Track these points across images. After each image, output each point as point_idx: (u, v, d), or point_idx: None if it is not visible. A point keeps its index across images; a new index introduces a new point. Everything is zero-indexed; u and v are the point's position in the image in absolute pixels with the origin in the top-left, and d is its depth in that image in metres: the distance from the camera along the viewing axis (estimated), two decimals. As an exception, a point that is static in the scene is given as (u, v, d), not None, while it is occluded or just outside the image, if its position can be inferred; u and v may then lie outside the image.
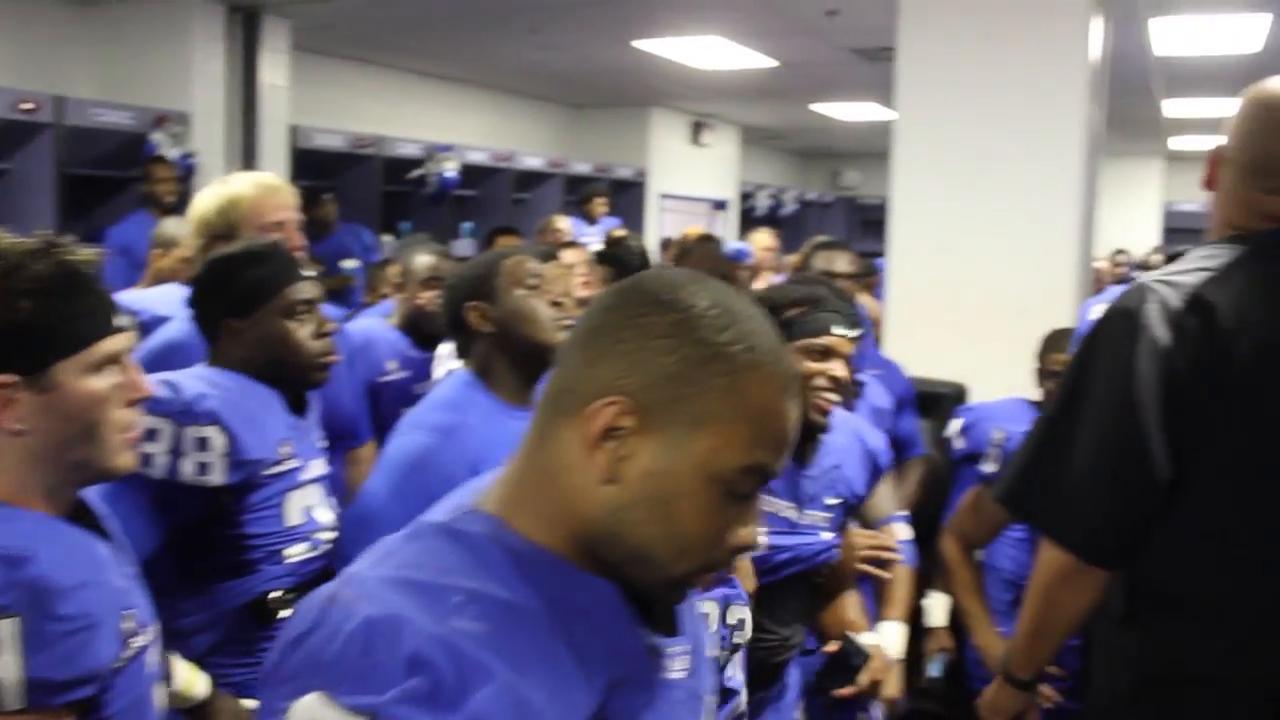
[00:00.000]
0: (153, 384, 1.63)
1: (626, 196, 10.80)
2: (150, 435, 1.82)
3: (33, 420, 1.37)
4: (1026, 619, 1.83)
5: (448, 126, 9.24)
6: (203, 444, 1.88)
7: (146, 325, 2.51)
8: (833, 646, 2.25)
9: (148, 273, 4.08)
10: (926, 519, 2.76)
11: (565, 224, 6.57)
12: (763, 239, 6.95)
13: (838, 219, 15.63)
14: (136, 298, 2.83)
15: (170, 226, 4.07)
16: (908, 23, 4.38)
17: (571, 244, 4.65)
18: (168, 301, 2.58)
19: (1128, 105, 9.59)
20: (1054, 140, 4.17)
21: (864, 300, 3.53)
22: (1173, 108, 10.29)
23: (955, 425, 2.94)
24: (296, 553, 2.02)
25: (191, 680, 1.85)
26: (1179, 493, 1.67)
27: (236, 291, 2.04)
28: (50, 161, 5.87)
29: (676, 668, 1.05)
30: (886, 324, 4.25)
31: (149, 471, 1.84)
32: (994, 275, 4.18)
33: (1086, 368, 1.72)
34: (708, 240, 5.71)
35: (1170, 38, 7.12)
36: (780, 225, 12.21)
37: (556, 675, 0.92)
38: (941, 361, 3.59)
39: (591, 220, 8.30)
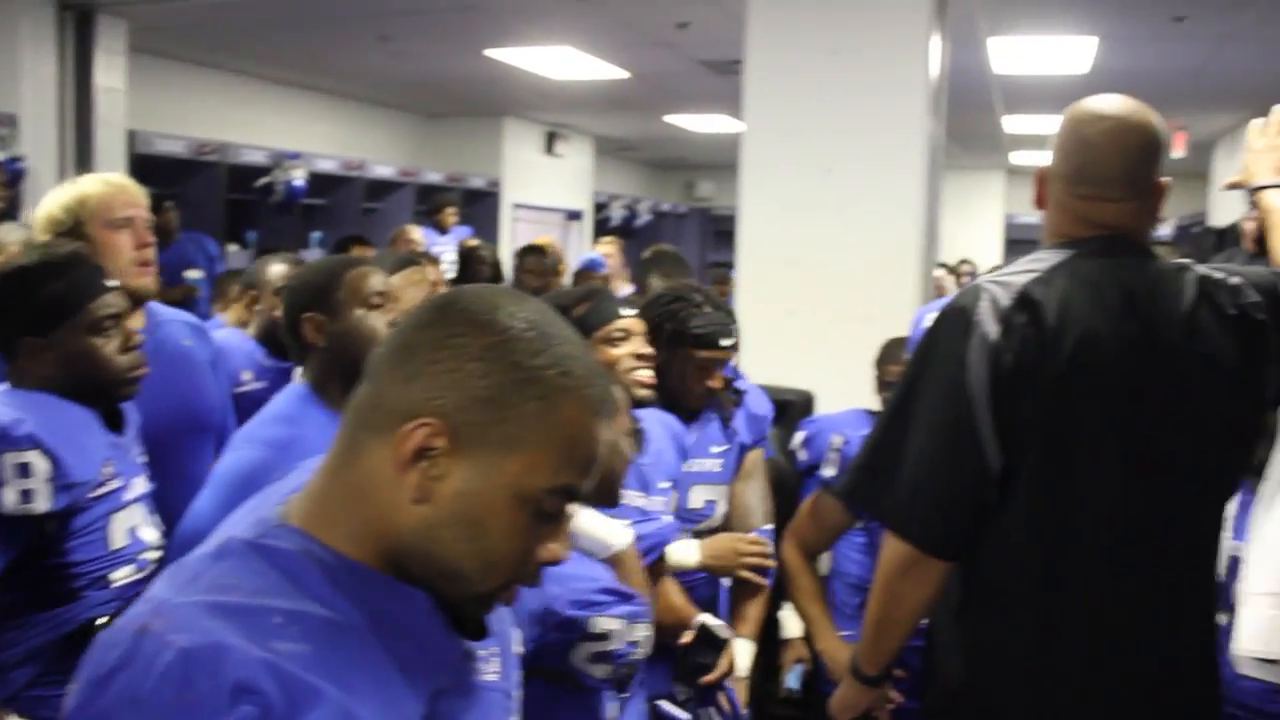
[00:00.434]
0: None
1: (480, 206, 10.73)
2: None
3: None
4: (871, 613, 1.87)
5: (296, 134, 9.04)
6: (24, 470, 1.79)
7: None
8: (688, 636, 2.25)
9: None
10: (775, 528, 2.78)
11: (418, 234, 6.51)
12: (607, 248, 7.02)
13: (692, 230, 15.78)
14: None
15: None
16: (754, 36, 4.44)
17: (425, 256, 4.59)
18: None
19: (970, 121, 9.91)
20: (896, 153, 4.27)
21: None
22: (1012, 124, 10.66)
23: (798, 437, 2.98)
24: (122, 576, 1.93)
25: None
26: (1008, 484, 1.73)
27: (35, 307, 1.93)
28: None
29: (489, 670, 1.07)
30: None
31: None
32: (839, 285, 4.26)
33: (923, 364, 1.79)
34: (534, 251, 5.78)
35: (1008, 57, 7.37)
36: (635, 236, 12.28)
37: (384, 689, 0.92)
38: (789, 370, 3.63)
39: (443, 230, 8.23)
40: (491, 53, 7.76)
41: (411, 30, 7.16)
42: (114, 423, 2.02)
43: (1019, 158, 13.47)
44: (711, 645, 2.24)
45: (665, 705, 2.23)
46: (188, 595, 0.90)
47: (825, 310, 4.25)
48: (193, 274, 6.41)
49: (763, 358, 3.53)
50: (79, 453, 1.87)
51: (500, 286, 1.11)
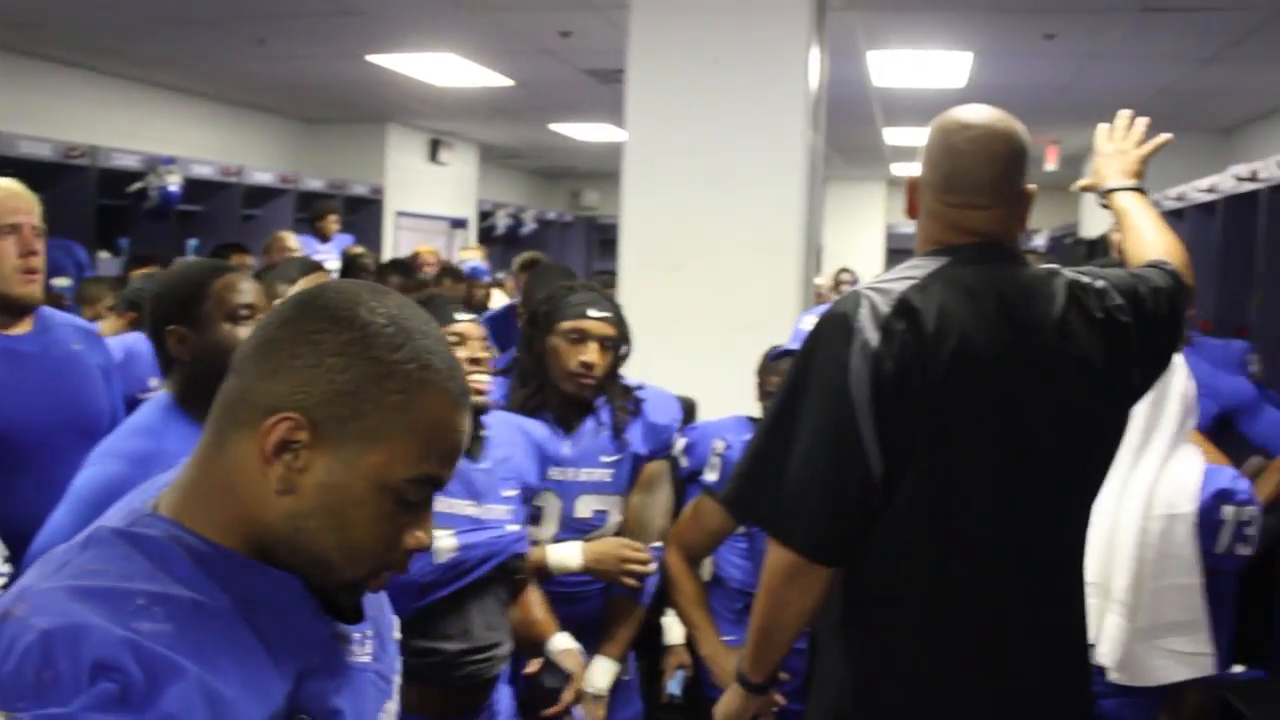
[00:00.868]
0: None
1: (362, 214, 10.58)
2: None
3: None
4: (757, 621, 1.87)
5: (170, 138, 8.80)
6: None
7: None
8: (534, 666, 2.22)
9: None
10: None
11: (293, 241, 6.40)
12: (473, 254, 7.07)
13: (578, 239, 15.77)
14: None
15: None
16: (636, 46, 4.44)
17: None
18: None
19: (851, 132, 10.08)
20: (776, 163, 4.30)
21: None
22: (892, 136, 10.86)
23: (680, 444, 2.99)
24: None
25: None
26: (890, 489, 1.75)
27: None
28: None
29: (363, 652, 1.09)
30: (619, 341, 4.29)
31: None
32: (720, 293, 4.28)
33: (804, 371, 1.80)
34: (398, 268, 5.78)
35: (887, 70, 7.51)
36: (520, 244, 12.23)
37: (248, 668, 0.94)
38: (671, 378, 3.63)
39: (324, 237, 8.10)
40: (373, 58, 7.66)
41: (289, 34, 7.03)
42: None
43: (900, 169, 13.74)
44: (557, 674, 2.20)
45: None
46: (52, 581, 0.92)
47: (706, 318, 4.27)
48: (60, 282, 6.18)
49: (644, 365, 3.53)
50: None
51: (363, 282, 1.10)
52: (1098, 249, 9.63)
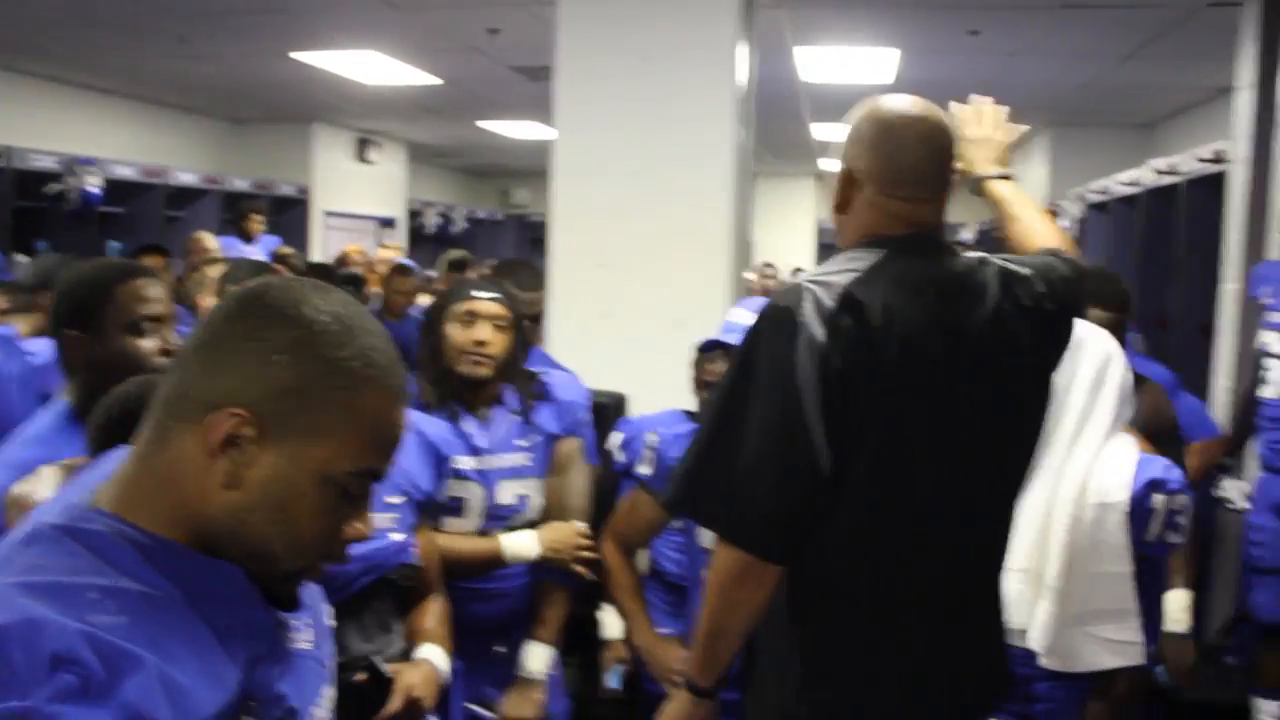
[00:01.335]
0: None
1: (290, 214, 10.45)
2: None
3: None
4: (704, 624, 1.83)
5: (90, 138, 8.62)
6: None
7: None
8: (361, 676, 2.10)
9: None
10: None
11: (212, 241, 6.30)
12: (386, 252, 7.11)
13: (508, 237, 15.71)
14: None
15: None
16: (564, 43, 4.43)
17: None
18: None
19: (780, 128, 10.14)
20: (705, 159, 4.32)
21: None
22: (821, 131, 10.93)
23: (615, 439, 2.99)
24: None
25: None
26: (839, 485, 1.73)
27: None
28: None
29: (303, 639, 1.13)
30: (549, 337, 4.28)
31: None
32: (651, 289, 4.29)
33: (748, 366, 1.76)
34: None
35: (814, 66, 7.55)
36: (450, 244, 12.15)
37: (202, 656, 0.97)
38: (602, 373, 3.64)
39: (248, 238, 7.98)
40: (299, 56, 7.56)
41: (211, 32, 6.91)
42: None
43: (828, 164, 13.83)
44: (381, 684, 2.06)
45: (476, 708, 2.16)
46: (1, 579, 0.93)
47: (637, 314, 4.27)
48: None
49: (576, 361, 3.52)
50: None
51: (306, 280, 1.11)
52: (1023, 243, 9.77)
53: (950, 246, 1.91)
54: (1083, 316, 2.01)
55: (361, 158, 11.75)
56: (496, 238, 15.32)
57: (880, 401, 1.73)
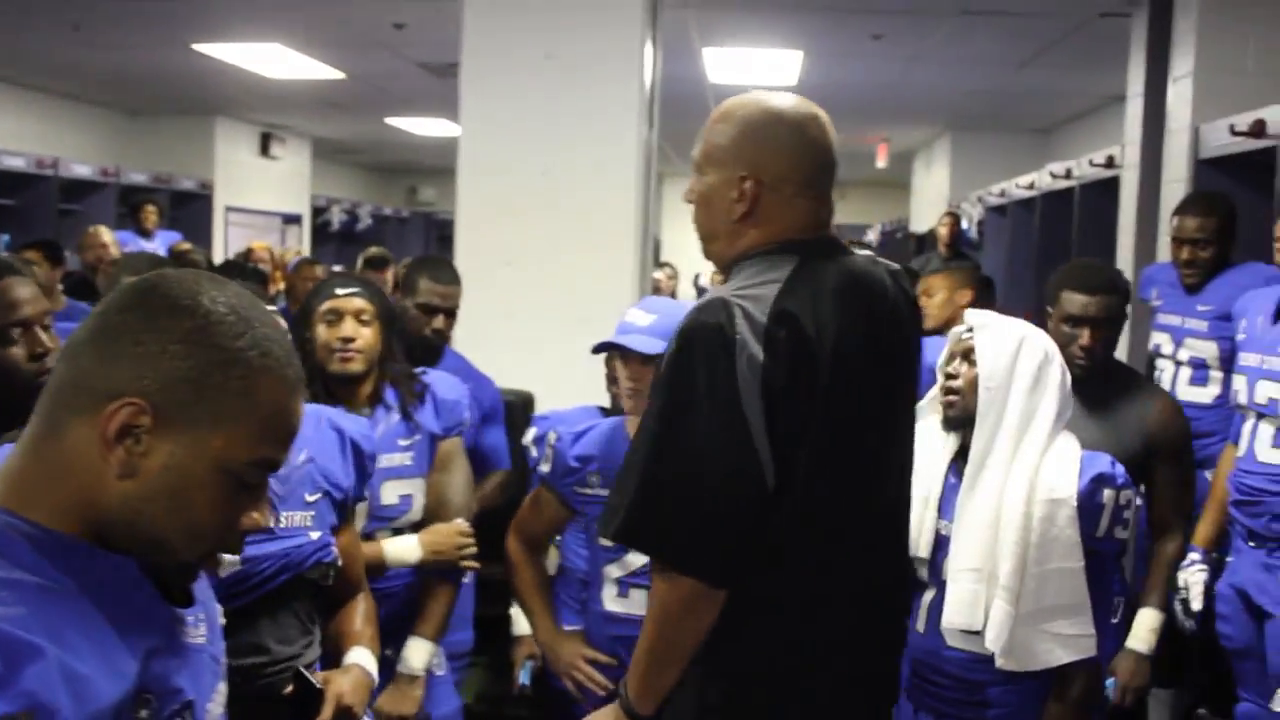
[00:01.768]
0: None
1: (190, 209, 10.27)
2: None
3: None
4: (647, 654, 1.78)
5: (-23, 128, 8.40)
6: None
7: None
8: (289, 688, 2.05)
9: None
10: (505, 529, 2.76)
11: (108, 236, 6.15)
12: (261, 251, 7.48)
13: (415, 234, 15.60)
14: None
15: None
16: (471, 40, 4.42)
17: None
18: None
19: (689, 129, 10.14)
20: (611, 159, 4.33)
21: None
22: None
23: (530, 434, 2.98)
24: None
25: None
26: (779, 498, 1.71)
27: None
28: None
29: (197, 634, 1.12)
30: (455, 335, 4.26)
31: None
32: (557, 287, 4.30)
33: (683, 389, 1.69)
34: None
35: (721, 67, 7.61)
36: (356, 240, 12.03)
37: (101, 647, 0.96)
38: (509, 371, 3.64)
39: (145, 233, 7.81)
40: (200, 47, 7.42)
41: (107, 19, 6.75)
42: None
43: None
44: (310, 694, 2.00)
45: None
46: None
47: (543, 312, 4.28)
48: None
49: (482, 359, 3.51)
50: None
51: (201, 271, 1.12)
52: (926, 242, 9.95)
53: (844, 244, 1.94)
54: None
55: (265, 152, 11.58)
56: (403, 235, 15.19)
57: (819, 413, 1.72)
